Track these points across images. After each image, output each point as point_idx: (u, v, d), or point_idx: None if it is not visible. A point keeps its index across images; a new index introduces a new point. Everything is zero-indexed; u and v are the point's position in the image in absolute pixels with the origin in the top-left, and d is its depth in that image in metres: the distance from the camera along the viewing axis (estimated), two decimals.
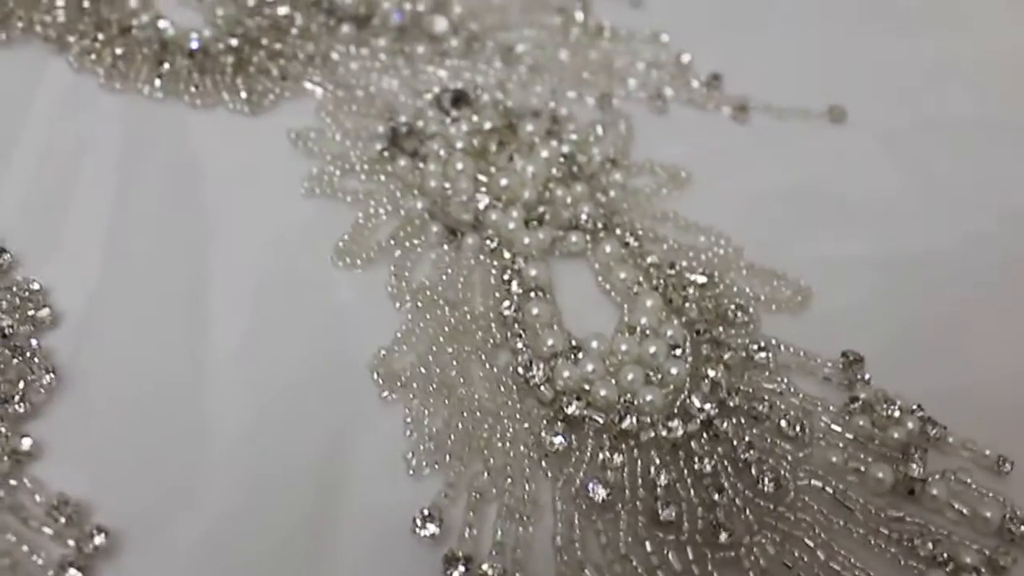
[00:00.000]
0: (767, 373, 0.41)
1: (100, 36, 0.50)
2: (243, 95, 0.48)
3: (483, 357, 0.40)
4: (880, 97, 0.54)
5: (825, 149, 0.52)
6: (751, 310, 0.43)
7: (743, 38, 0.57)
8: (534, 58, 0.53)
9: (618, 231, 0.45)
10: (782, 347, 0.42)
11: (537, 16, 0.56)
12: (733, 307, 0.42)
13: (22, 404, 0.36)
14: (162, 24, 0.51)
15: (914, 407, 0.40)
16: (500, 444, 0.37)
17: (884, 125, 0.53)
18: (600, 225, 0.45)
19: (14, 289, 0.39)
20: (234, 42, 0.50)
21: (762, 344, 0.41)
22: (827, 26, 0.58)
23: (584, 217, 0.44)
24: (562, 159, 0.46)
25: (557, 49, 0.54)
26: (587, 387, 0.39)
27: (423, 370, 0.39)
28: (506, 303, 0.41)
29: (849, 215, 0.49)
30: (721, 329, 0.42)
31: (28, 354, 0.37)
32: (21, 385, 0.36)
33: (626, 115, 0.51)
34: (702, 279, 0.43)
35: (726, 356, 0.41)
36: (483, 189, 0.45)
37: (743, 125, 0.52)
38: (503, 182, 0.44)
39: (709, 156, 0.50)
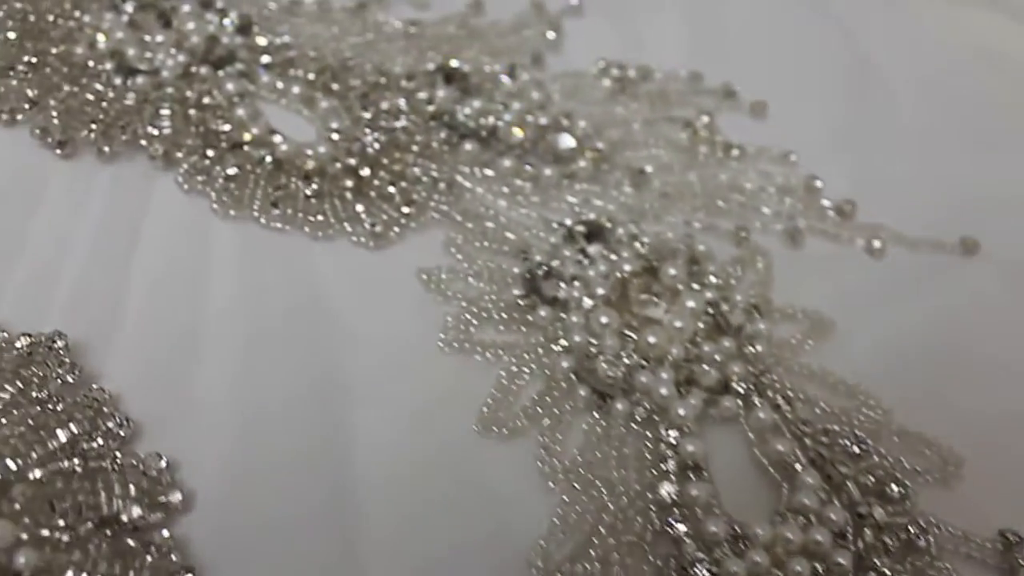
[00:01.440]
0: (928, 558, 0.39)
1: (209, 153, 0.47)
2: (367, 226, 0.45)
3: (644, 547, 0.37)
4: (1013, 227, 0.52)
5: (961, 286, 0.49)
6: (909, 486, 0.40)
7: (868, 158, 0.54)
8: (664, 182, 0.50)
9: (769, 393, 0.42)
10: (940, 527, 0.40)
11: (662, 128, 0.54)
12: (892, 485, 0.40)
13: None
14: (275, 139, 0.48)
15: None
16: None
17: (1018, 258, 0.51)
18: (751, 387, 0.42)
19: (140, 467, 0.36)
20: (352, 161, 0.48)
21: (923, 525, 0.39)
22: (955, 148, 0.56)
23: (735, 378, 0.42)
24: (707, 309, 0.44)
25: (686, 170, 0.51)
26: None
27: (585, 566, 0.36)
28: (665, 486, 0.38)
29: (992, 364, 0.46)
30: (880, 510, 0.39)
31: (164, 550, 0.34)
32: None
33: (763, 250, 0.48)
34: (857, 449, 0.41)
35: (889, 543, 0.38)
36: (630, 346, 0.42)
37: (878, 260, 0.50)
38: (651, 339, 0.42)
39: (847, 297, 0.47)
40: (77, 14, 0.54)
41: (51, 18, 0.53)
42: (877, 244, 0.49)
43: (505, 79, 0.53)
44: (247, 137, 0.48)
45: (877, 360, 0.45)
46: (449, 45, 0.56)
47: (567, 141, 0.50)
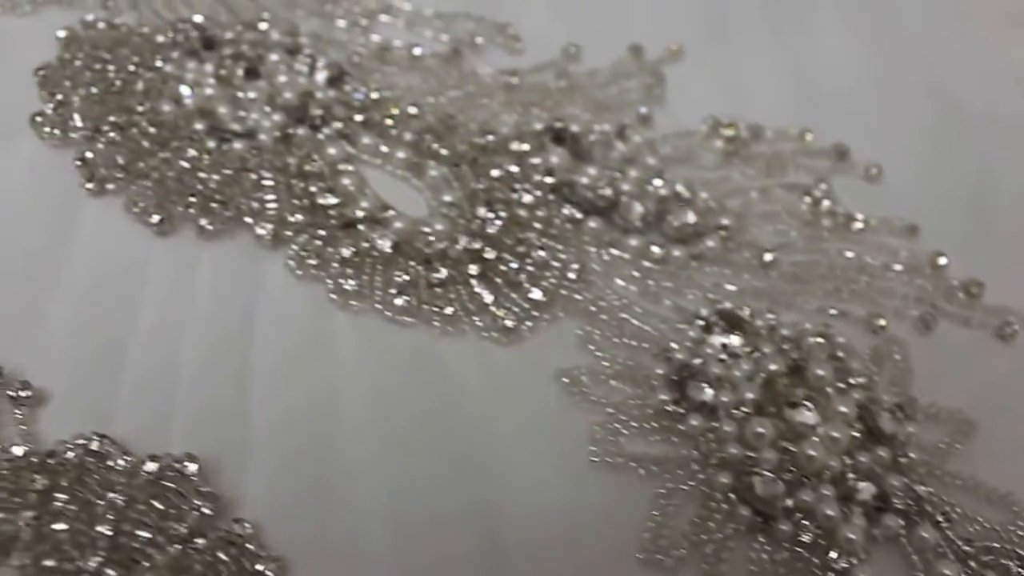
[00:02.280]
0: None
1: (320, 231, 0.44)
2: (498, 318, 0.42)
3: None
4: None
5: None
6: None
7: (986, 227, 0.53)
8: (791, 262, 0.48)
9: (928, 508, 0.41)
10: None
11: (779, 196, 0.51)
12: None
13: None
14: (388, 213, 0.45)
15: None
16: None
17: None
18: (910, 501, 0.40)
19: None
20: (475, 243, 0.44)
21: None
22: None
23: (894, 492, 0.40)
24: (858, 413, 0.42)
25: (811, 246, 0.49)
26: None
27: None
28: None
29: None
30: None
31: None
32: None
33: (899, 340, 0.46)
34: (1021, 572, 0.39)
35: None
36: (787, 458, 0.40)
37: (1010, 345, 0.48)
38: (810, 452, 0.40)
39: (984, 389, 0.46)
40: (159, 63, 0.50)
41: (132, 67, 0.49)
42: (1010, 329, 0.48)
43: (617, 143, 0.50)
44: (359, 213, 0.44)
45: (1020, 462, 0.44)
46: (550, 99, 0.53)
47: (690, 216, 0.48)
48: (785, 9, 0.61)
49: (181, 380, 0.39)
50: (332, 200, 0.45)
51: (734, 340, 0.43)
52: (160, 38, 0.51)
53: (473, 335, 0.42)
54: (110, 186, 0.44)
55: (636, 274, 0.46)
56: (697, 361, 0.42)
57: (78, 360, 0.39)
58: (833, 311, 0.47)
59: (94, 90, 0.47)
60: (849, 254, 0.49)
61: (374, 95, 0.50)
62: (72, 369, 0.39)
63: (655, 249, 0.46)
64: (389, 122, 0.49)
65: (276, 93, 0.49)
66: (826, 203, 0.51)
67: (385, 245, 0.43)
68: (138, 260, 0.43)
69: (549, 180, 0.48)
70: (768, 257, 0.47)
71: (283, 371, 0.40)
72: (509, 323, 0.42)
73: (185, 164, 0.45)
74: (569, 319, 0.44)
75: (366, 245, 0.43)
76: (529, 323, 0.43)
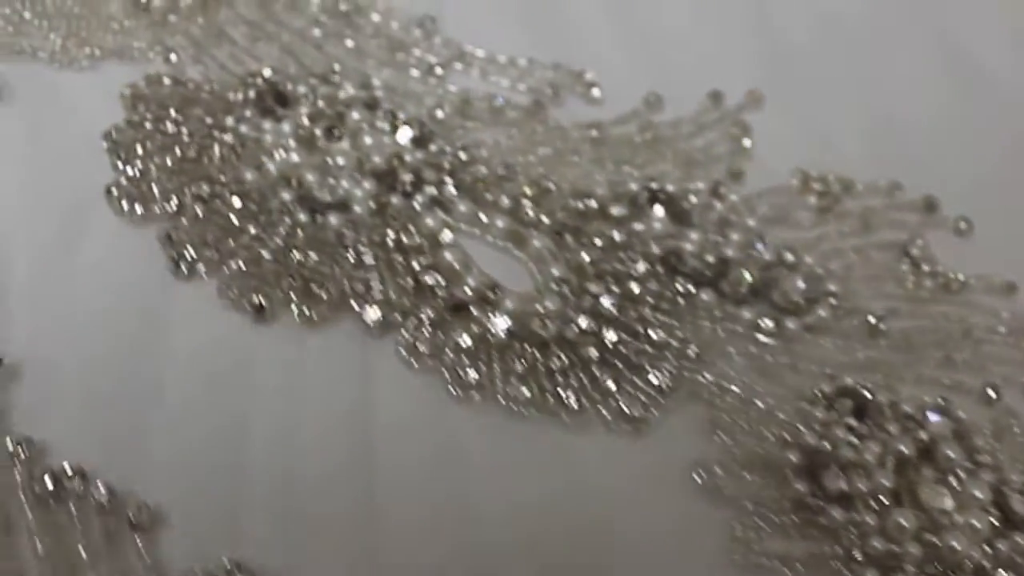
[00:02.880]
0: None
1: (429, 314, 0.41)
2: (624, 408, 0.40)
3: None
4: None
5: None
6: None
7: None
8: (898, 329, 0.46)
9: None
10: None
11: (876, 256, 0.50)
12: None
13: None
14: (499, 293, 0.43)
15: None
16: None
17: None
18: None
19: None
20: (592, 324, 0.42)
21: None
22: None
23: None
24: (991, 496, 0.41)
25: (915, 311, 0.47)
26: None
27: None
28: None
29: None
30: None
31: None
32: None
33: (1014, 412, 0.45)
34: None
35: None
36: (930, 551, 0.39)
37: None
38: (954, 544, 0.39)
39: None
40: (231, 122, 0.47)
41: (206, 129, 0.46)
42: None
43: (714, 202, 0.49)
44: (468, 293, 0.42)
45: None
46: (639, 154, 0.51)
47: (799, 283, 0.46)
48: (859, 51, 0.60)
49: (303, 491, 0.37)
50: (438, 279, 0.42)
51: (859, 420, 0.42)
52: (231, 95, 0.48)
53: (597, 426, 0.41)
54: (201, 267, 0.42)
55: (753, 350, 0.44)
56: (826, 444, 0.41)
57: (191, 474, 0.37)
58: (946, 381, 0.46)
59: (169, 158, 0.45)
60: (953, 317, 0.48)
61: (463, 155, 0.48)
62: (186, 484, 0.36)
63: (767, 322, 0.45)
64: (479, 186, 0.47)
65: (364, 157, 0.46)
66: (925, 265, 0.50)
67: (500, 330, 0.41)
68: (238, 353, 0.40)
69: (656, 250, 0.46)
70: (877, 324, 0.46)
71: (413, 478, 0.38)
72: (635, 412, 0.41)
73: (278, 241, 0.42)
74: (691, 403, 0.42)
75: (477, 329, 0.41)
76: (655, 411, 0.41)
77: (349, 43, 0.53)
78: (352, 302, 0.41)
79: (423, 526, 0.37)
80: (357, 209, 0.44)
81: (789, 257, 0.47)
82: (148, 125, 0.46)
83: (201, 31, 0.52)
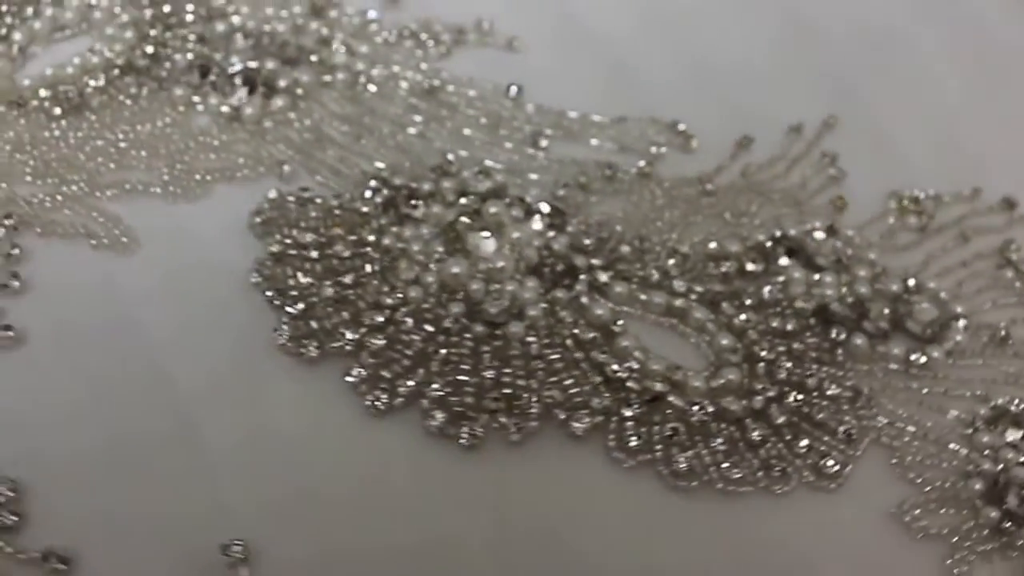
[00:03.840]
0: None
1: (631, 411, 0.43)
2: (823, 465, 0.43)
3: None
4: None
5: None
6: None
7: None
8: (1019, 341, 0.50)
9: None
10: None
11: (977, 268, 0.53)
12: None
13: None
14: (681, 374, 0.44)
15: None
16: None
17: None
18: None
19: None
20: (773, 391, 0.45)
21: None
22: None
23: None
24: None
25: None
26: None
27: None
28: None
29: None
30: None
31: None
32: None
33: None
34: None
35: None
36: None
37: None
38: None
39: None
40: (370, 235, 0.47)
41: (351, 245, 0.46)
42: None
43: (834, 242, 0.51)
44: (657, 385, 0.44)
45: None
46: (750, 201, 0.53)
47: (930, 312, 0.49)
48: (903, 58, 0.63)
49: None
50: (631, 371, 0.44)
51: (1019, 436, 0.46)
52: (361, 205, 0.48)
53: (801, 491, 0.43)
54: (397, 401, 0.42)
55: (914, 385, 0.47)
56: (999, 467, 0.45)
57: None
58: None
59: (329, 288, 0.44)
60: None
61: (603, 233, 0.49)
62: None
63: (917, 355, 0.48)
64: (628, 264, 0.48)
65: (518, 254, 0.47)
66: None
67: (696, 414, 0.43)
68: (453, 487, 0.41)
69: (807, 304, 0.48)
70: (1007, 336, 0.50)
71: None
72: (833, 467, 0.43)
73: (468, 360, 0.43)
74: (872, 449, 0.45)
75: (675, 415, 0.43)
76: (849, 465, 0.44)
77: (448, 124, 0.53)
78: (557, 412, 0.42)
79: None
80: (533, 313, 0.45)
81: (912, 283, 0.50)
82: (288, 259, 0.46)
83: (300, 136, 0.51)
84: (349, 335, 0.43)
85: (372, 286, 0.45)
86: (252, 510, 0.39)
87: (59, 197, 0.47)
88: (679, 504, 0.42)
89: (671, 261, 0.49)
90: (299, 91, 0.53)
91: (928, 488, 0.44)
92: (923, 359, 0.48)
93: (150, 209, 0.48)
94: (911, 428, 0.45)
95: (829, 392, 0.45)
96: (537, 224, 0.48)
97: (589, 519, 0.41)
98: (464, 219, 0.47)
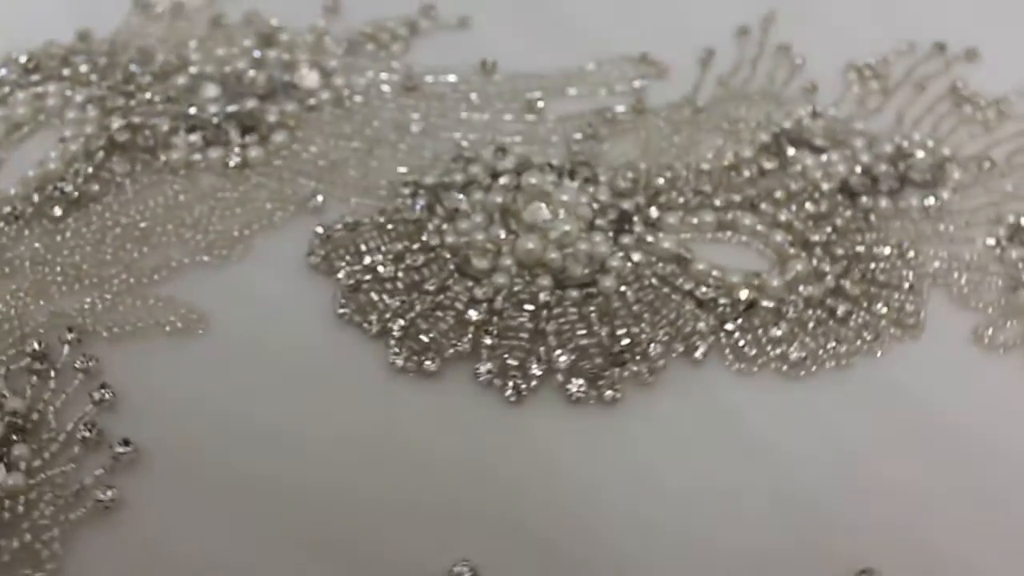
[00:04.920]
0: None
1: (750, 324, 0.46)
2: (907, 318, 0.47)
3: None
4: None
5: None
6: None
7: None
8: None
9: None
10: None
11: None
12: None
13: None
14: (760, 279, 0.47)
15: None
16: None
17: None
18: None
19: None
20: (834, 266, 0.49)
21: None
22: None
23: None
24: None
25: None
26: None
27: None
28: None
29: None
30: None
31: None
32: None
33: None
34: None
35: None
36: None
37: None
38: None
39: None
40: (432, 239, 0.47)
41: (416, 252, 0.47)
42: None
43: None
44: (743, 292, 0.47)
45: None
46: (731, 107, 0.56)
47: (926, 160, 0.54)
48: None
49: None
50: (714, 290, 0.47)
51: None
52: (410, 215, 0.48)
53: (894, 347, 0.47)
54: (533, 384, 0.43)
55: (940, 227, 0.52)
56: None
57: None
58: None
59: (418, 305, 0.45)
60: None
61: (632, 175, 0.51)
62: None
63: (929, 202, 0.53)
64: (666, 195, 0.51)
65: (575, 214, 0.48)
66: None
67: (788, 307, 0.47)
68: (605, 444, 0.43)
69: (825, 185, 0.52)
70: (992, 163, 0.55)
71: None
72: (911, 317, 0.48)
73: (579, 325, 0.45)
74: (933, 292, 0.49)
75: (772, 317, 0.47)
76: (922, 311, 0.48)
77: (446, 113, 0.54)
78: (676, 346, 0.45)
79: None
80: (614, 264, 0.47)
81: (899, 140, 0.55)
82: (367, 285, 0.45)
83: (314, 165, 0.51)
84: (461, 337, 0.44)
85: (457, 285, 0.46)
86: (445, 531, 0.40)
87: (107, 296, 0.45)
88: (804, 392, 0.45)
89: (700, 181, 0.52)
90: (291, 122, 0.52)
91: (989, 309, 0.49)
92: (935, 202, 0.53)
93: (204, 280, 0.46)
94: (954, 263, 0.51)
95: (881, 254, 0.50)
96: (574, 182, 0.50)
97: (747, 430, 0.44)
98: (513, 199, 0.48)
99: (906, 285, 0.49)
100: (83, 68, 0.54)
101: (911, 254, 0.50)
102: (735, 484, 0.42)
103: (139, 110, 0.52)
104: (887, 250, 0.50)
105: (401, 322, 0.44)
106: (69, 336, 0.43)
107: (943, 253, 0.51)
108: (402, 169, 0.51)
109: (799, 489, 0.42)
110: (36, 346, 0.42)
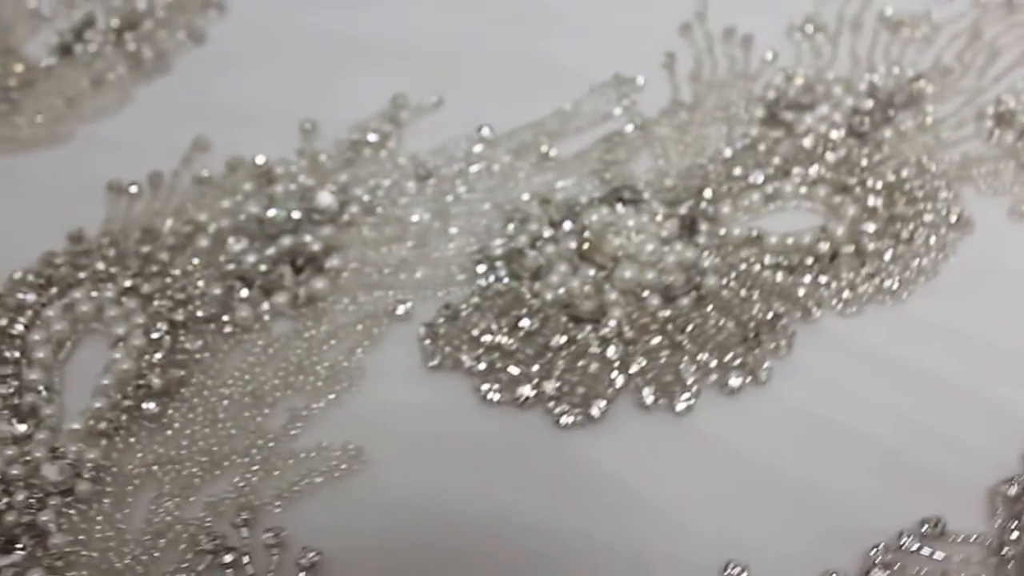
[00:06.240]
0: None
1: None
2: (961, 219, 0.52)
3: None
4: None
5: None
6: None
7: None
8: None
9: None
10: None
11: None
12: None
13: None
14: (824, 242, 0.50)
15: None
16: None
17: None
18: None
19: None
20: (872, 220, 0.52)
21: None
22: None
23: None
24: None
25: None
26: None
27: None
28: None
29: None
30: None
31: None
32: None
33: None
34: None
35: None
36: None
37: None
38: None
39: None
40: (534, 301, 0.47)
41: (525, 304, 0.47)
42: None
43: None
44: (823, 245, 0.50)
45: None
46: (717, 95, 0.60)
47: (903, 76, 0.59)
48: None
49: None
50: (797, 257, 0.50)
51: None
52: (498, 288, 0.49)
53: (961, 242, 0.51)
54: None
55: (943, 135, 0.56)
56: None
57: None
58: None
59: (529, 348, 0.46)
60: None
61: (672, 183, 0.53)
62: None
63: (925, 117, 0.57)
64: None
65: (646, 235, 0.50)
66: None
67: (868, 247, 0.50)
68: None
69: (838, 135, 0.56)
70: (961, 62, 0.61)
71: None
72: (960, 218, 0.52)
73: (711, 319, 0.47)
74: (965, 189, 0.54)
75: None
76: (965, 209, 0.52)
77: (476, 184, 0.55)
78: (796, 313, 0.47)
79: None
80: (705, 264, 0.49)
81: (882, 69, 0.60)
82: (499, 364, 0.46)
83: (379, 276, 0.50)
84: (610, 375, 0.45)
85: (580, 333, 0.46)
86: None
87: (255, 468, 0.43)
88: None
89: (729, 168, 0.54)
90: (336, 244, 0.52)
91: (1015, 187, 0.54)
92: (926, 117, 0.58)
93: (339, 418, 0.46)
94: (967, 161, 0.55)
95: (910, 174, 0.54)
96: (627, 207, 0.52)
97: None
98: (586, 239, 0.50)
99: (942, 193, 0.53)
100: (100, 266, 0.51)
101: (932, 166, 0.55)
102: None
103: (177, 285, 0.50)
104: (911, 170, 0.54)
105: (553, 383, 0.45)
106: (241, 519, 0.41)
107: (955, 156, 0.56)
108: (470, 248, 0.51)
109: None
110: (214, 542, 0.40)
